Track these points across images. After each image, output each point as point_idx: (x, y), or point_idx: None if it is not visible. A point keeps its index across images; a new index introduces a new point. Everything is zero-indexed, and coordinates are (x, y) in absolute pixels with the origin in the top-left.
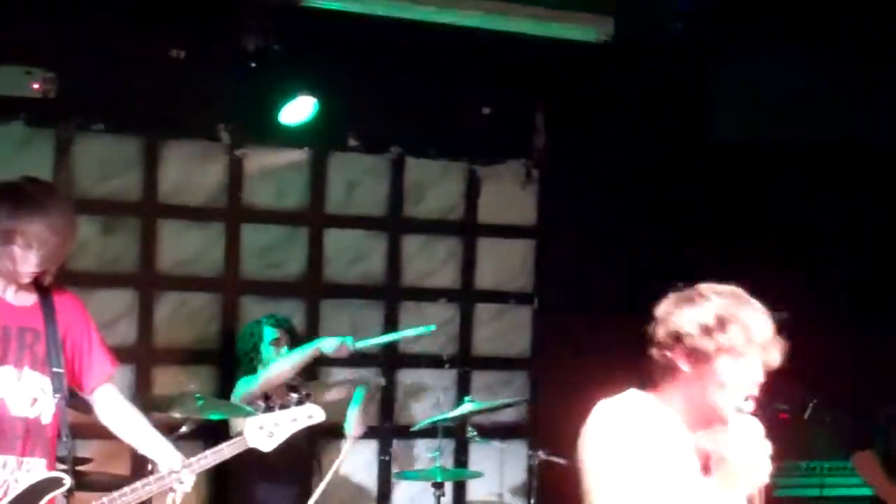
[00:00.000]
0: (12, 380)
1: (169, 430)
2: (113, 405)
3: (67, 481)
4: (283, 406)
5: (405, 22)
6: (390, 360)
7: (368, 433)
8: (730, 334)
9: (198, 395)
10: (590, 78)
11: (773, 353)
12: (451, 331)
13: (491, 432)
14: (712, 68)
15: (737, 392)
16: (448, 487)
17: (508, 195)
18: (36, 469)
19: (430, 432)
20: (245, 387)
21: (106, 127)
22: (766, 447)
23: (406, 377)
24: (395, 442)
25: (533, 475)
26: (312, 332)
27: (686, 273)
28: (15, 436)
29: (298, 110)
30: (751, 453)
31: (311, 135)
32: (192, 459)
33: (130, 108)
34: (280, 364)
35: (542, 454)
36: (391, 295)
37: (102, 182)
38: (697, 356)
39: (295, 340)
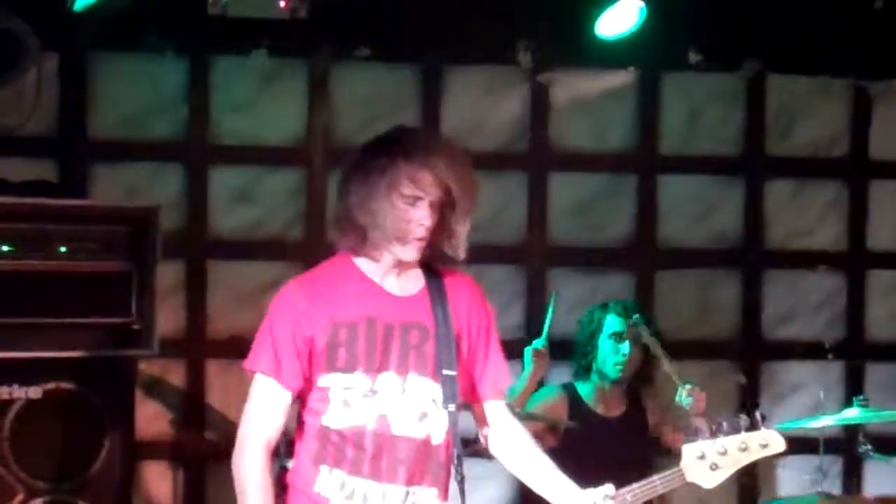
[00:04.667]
0: (396, 390)
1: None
2: (504, 428)
3: None
4: (732, 429)
5: None
6: (751, 348)
7: None
8: None
9: None
10: None
11: None
12: (836, 308)
13: (894, 445)
14: None
15: None
16: None
17: None
18: (426, 501)
19: (808, 447)
20: (538, 401)
21: (372, 53)
22: None
23: (773, 372)
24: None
25: None
26: (646, 313)
27: None
28: (398, 460)
29: (621, 18)
30: None
31: (639, 50)
32: (619, 492)
33: (402, 27)
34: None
35: None
36: (751, 261)
37: (370, 124)
38: None
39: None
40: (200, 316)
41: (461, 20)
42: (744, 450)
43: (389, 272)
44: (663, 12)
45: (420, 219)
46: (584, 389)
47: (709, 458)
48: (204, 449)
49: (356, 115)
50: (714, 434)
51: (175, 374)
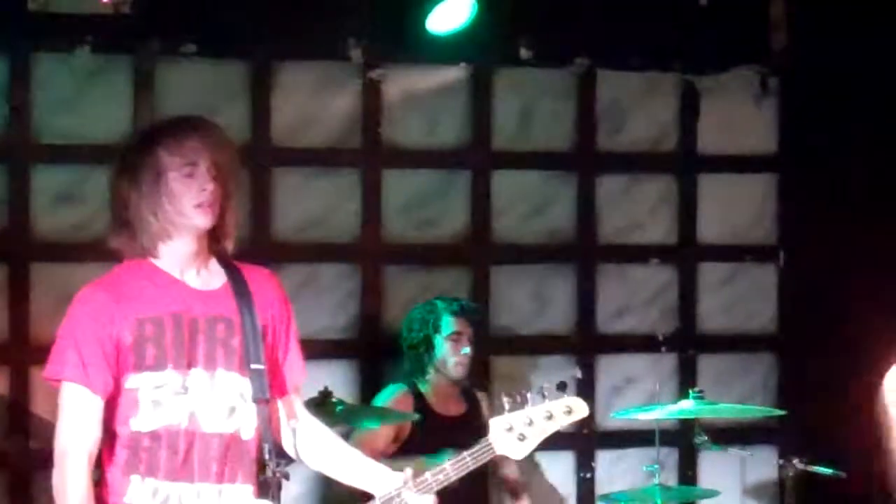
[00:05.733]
0: (205, 386)
1: None
2: (303, 422)
3: None
4: (536, 400)
5: None
6: (586, 343)
7: (562, 443)
8: None
9: (336, 399)
10: None
11: None
12: (668, 301)
13: (727, 436)
14: None
15: None
16: None
17: (738, 115)
18: (239, 498)
19: (644, 439)
20: (386, 399)
21: (199, 49)
22: None
23: (609, 366)
24: (597, 453)
25: (786, 492)
26: (480, 312)
27: None
28: (210, 458)
29: (452, 14)
30: None
31: (471, 46)
32: (427, 475)
33: (230, 23)
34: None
35: (797, 464)
36: (585, 255)
37: None
38: None
39: (480, 335)
40: (24, 321)
41: (291, 15)
42: (549, 418)
43: (188, 268)
44: (495, 8)
45: (200, 185)
46: (424, 386)
47: (516, 430)
48: (28, 457)
49: (183, 112)
50: (519, 406)
51: None
